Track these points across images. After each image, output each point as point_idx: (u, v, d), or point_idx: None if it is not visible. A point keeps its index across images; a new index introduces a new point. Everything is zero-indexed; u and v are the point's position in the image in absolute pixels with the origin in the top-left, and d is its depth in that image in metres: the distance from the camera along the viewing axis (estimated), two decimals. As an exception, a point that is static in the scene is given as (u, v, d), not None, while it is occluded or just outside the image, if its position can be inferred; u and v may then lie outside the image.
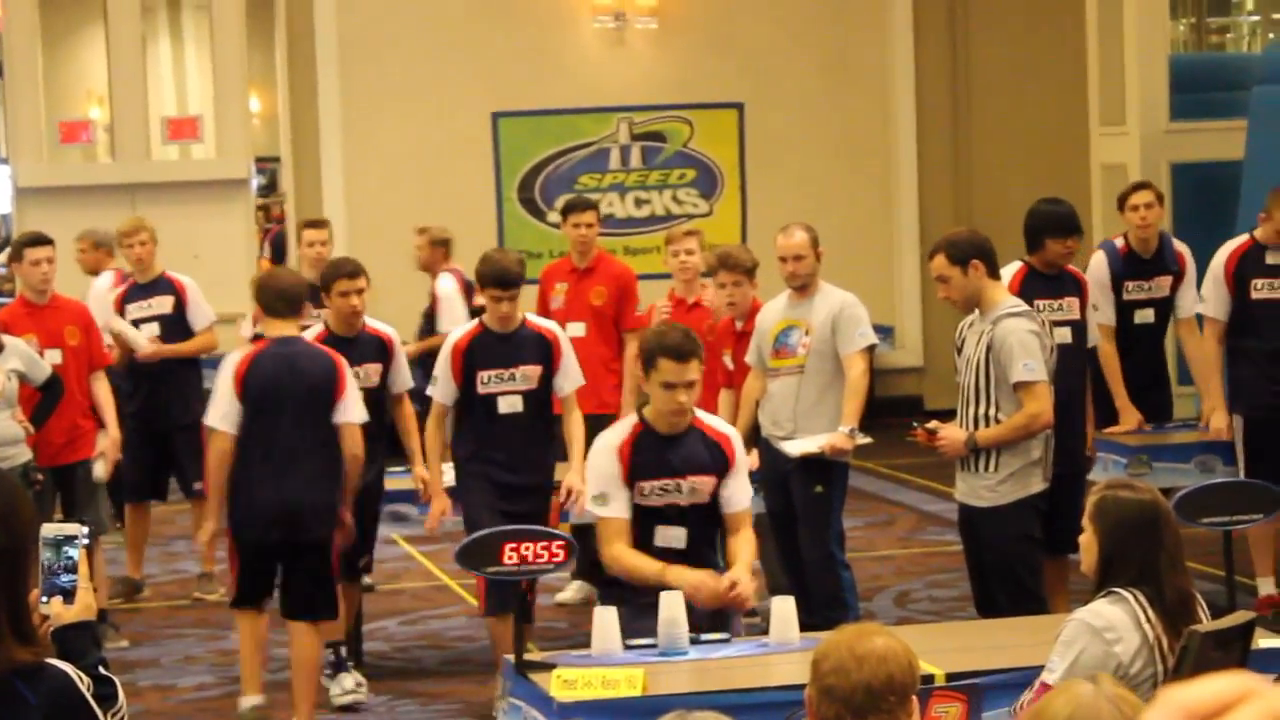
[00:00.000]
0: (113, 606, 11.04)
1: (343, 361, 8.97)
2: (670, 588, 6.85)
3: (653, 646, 6.68)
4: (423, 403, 9.66)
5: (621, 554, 7.10)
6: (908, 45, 18.11)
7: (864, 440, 9.45)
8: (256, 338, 9.65)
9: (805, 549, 9.38)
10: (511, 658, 6.69)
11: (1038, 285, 9.47)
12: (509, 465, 9.07)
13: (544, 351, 9.16)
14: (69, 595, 4.22)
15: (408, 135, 17.43)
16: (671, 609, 6.70)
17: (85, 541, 4.29)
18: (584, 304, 11.42)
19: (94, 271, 12.47)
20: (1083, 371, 9.62)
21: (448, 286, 12.91)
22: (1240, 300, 10.25)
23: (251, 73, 18.18)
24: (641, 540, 7.13)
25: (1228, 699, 1.70)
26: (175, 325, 11.69)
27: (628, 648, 6.67)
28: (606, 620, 6.70)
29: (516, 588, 7.26)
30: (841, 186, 17.88)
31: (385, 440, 9.83)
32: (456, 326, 11.98)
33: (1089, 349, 9.83)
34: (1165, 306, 10.62)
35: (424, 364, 10.56)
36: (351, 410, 8.88)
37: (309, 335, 9.39)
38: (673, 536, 7.17)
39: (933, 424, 8.57)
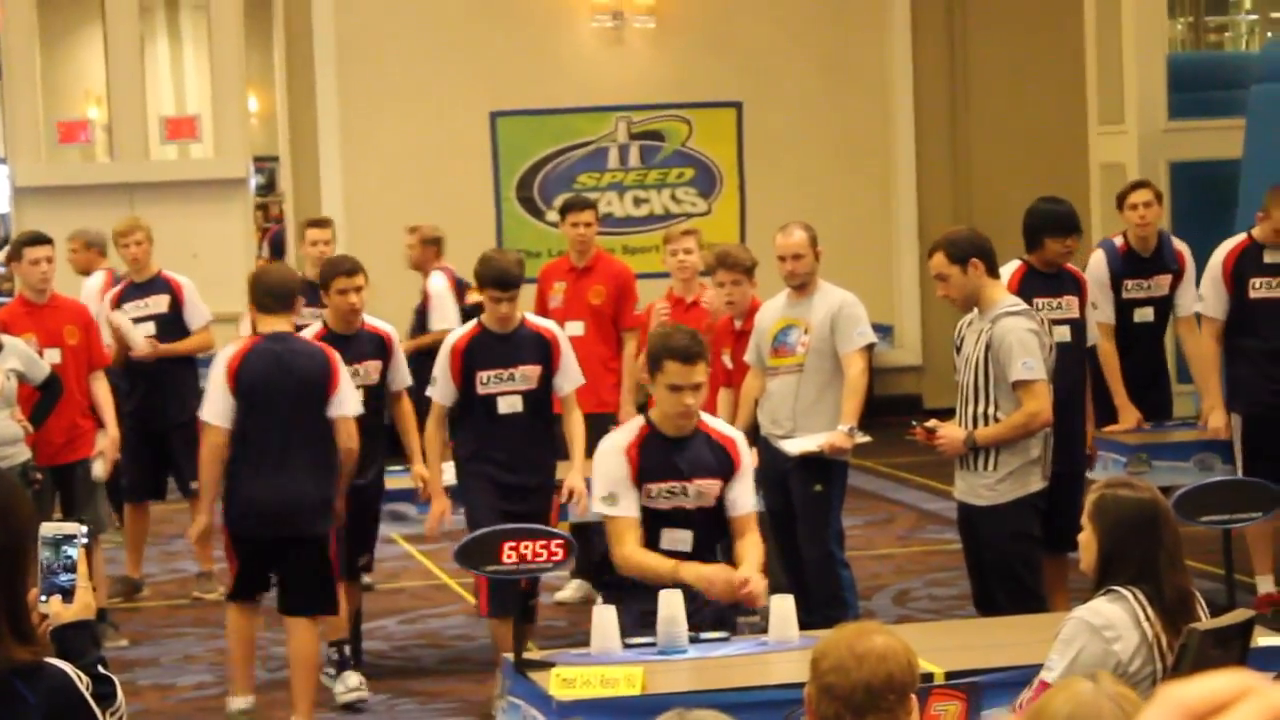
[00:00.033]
0: (112, 605, 11.04)
1: (335, 355, 8.96)
2: (685, 585, 6.86)
3: (652, 645, 6.68)
4: (420, 401, 9.66)
5: (633, 553, 7.10)
6: (906, 44, 18.11)
7: (863, 439, 9.45)
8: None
9: (804, 548, 9.38)
10: (510, 656, 6.69)
11: (1037, 284, 9.47)
12: (510, 465, 9.07)
13: (543, 351, 9.16)
14: (68, 594, 4.22)
15: (406, 134, 17.42)
16: (670, 608, 6.70)
17: (84, 541, 4.29)
18: (582, 303, 11.41)
19: (85, 271, 12.48)
20: (1082, 370, 9.62)
21: (439, 284, 12.92)
22: (1238, 299, 10.25)
23: (250, 72, 18.19)
24: (648, 544, 7.13)
25: (1226, 696, 1.70)
26: (171, 325, 11.69)
27: (627, 646, 6.67)
28: (605, 619, 6.70)
29: (518, 589, 7.26)
30: (840, 185, 17.88)
31: (385, 439, 9.83)
32: (448, 324, 12.04)
33: (1088, 348, 9.83)
34: (1164, 305, 10.62)
35: (415, 362, 10.55)
36: (346, 404, 8.88)
37: (308, 333, 9.40)
38: (679, 540, 7.16)
39: (931, 423, 8.57)
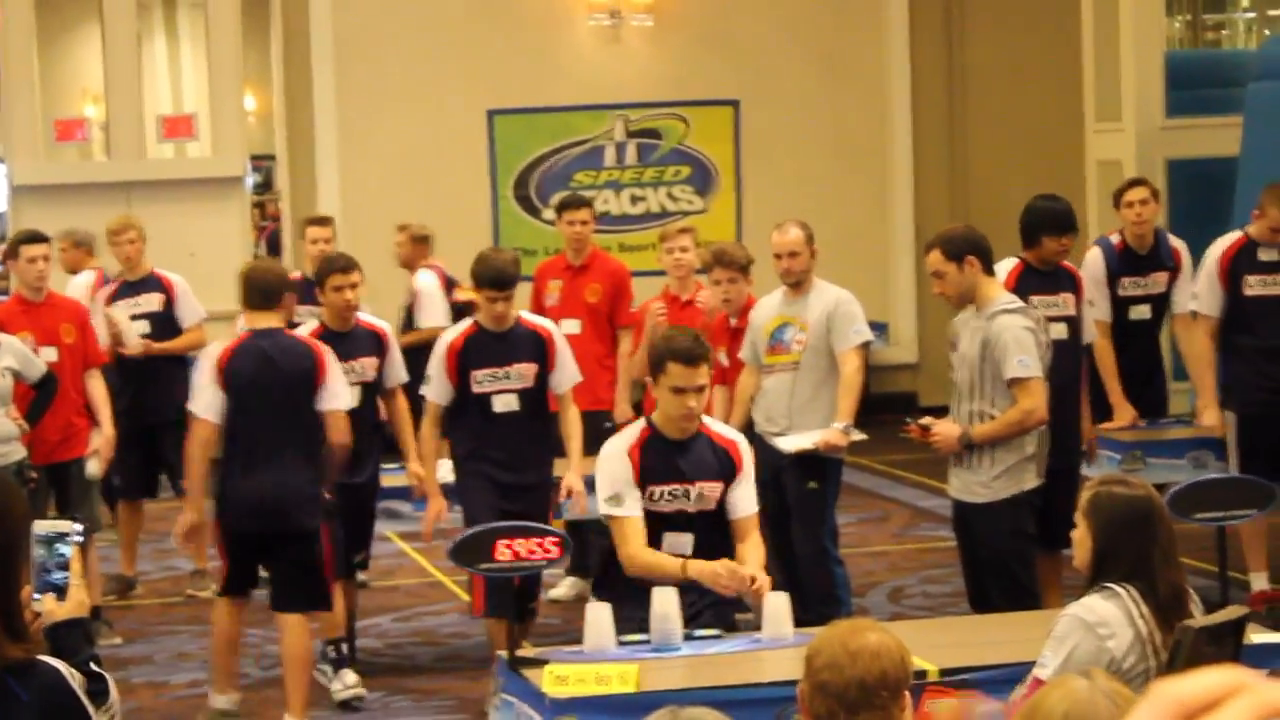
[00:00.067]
0: (106, 603, 11.03)
1: (324, 350, 8.95)
2: (693, 582, 6.86)
3: (646, 642, 6.68)
4: (414, 398, 9.65)
5: (639, 552, 7.09)
6: (903, 42, 18.11)
7: (858, 436, 9.45)
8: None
9: (799, 545, 9.37)
10: (504, 654, 6.69)
11: (1033, 281, 9.47)
12: (506, 464, 9.07)
13: (539, 349, 9.16)
14: (61, 592, 4.22)
15: (403, 133, 17.42)
16: (664, 604, 6.69)
17: (78, 538, 4.29)
18: (579, 301, 11.41)
19: (74, 270, 12.48)
20: (1078, 368, 9.62)
21: (428, 282, 12.93)
22: (1234, 297, 10.25)
23: (247, 71, 18.16)
24: (649, 547, 7.13)
25: (1220, 693, 1.70)
26: (164, 323, 11.69)
27: (621, 644, 6.66)
28: (599, 616, 6.70)
29: (512, 588, 7.25)
30: (837, 184, 17.88)
31: (381, 436, 9.83)
32: (436, 322, 12.04)
33: (1084, 345, 9.83)
34: (1161, 303, 10.62)
35: (406, 359, 10.53)
36: (336, 397, 8.87)
37: (305, 330, 9.40)
38: (681, 543, 7.16)
39: (927, 420, 8.56)
